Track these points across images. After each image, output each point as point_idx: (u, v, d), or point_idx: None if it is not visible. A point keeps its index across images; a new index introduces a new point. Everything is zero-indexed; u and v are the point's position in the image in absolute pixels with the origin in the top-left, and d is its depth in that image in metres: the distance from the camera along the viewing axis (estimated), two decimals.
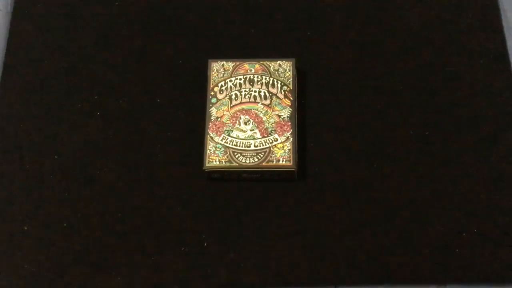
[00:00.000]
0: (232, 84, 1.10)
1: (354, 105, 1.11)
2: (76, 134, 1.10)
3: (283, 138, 1.06)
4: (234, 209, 1.04)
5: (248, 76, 1.11)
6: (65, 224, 1.03)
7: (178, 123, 1.10)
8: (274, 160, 1.04)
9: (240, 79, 1.11)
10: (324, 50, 1.15)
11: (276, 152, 1.05)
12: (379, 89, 1.12)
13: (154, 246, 1.02)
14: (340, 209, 1.03)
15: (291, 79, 1.10)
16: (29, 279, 1.00)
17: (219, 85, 1.10)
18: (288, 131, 1.06)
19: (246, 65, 1.12)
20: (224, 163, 1.04)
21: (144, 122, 1.10)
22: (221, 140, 1.06)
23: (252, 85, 1.10)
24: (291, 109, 1.08)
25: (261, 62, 1.12)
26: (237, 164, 1.04)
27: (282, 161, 1.04)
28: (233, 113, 1.08)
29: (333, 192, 1.05)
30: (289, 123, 1.07)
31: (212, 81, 1.11)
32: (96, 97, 1.13)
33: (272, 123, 1.07)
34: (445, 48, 1.15)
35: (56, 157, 1.08)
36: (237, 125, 1.07)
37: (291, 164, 1.04)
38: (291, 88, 1.10)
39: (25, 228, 1.03)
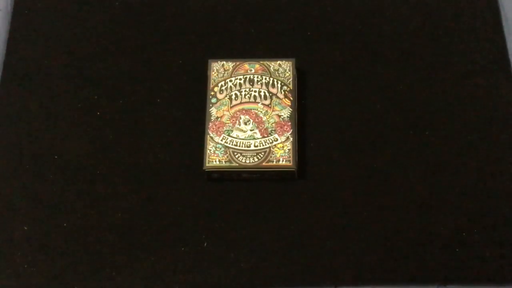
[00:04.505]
0: (232, 84, 1.10)
1: (354, 105, 1.11)
2: (76, 134, 1.10)
3: (283, 138, 1.06)
4: (234, 209, 1.04)
5: (248, 76, 1.11)
6: (65, 224, 1.03)
7: (178, 123, 1.10)
8: (274, 160, 1.05)
9: (240, 79, 1.11)
10: (324, 50, 1.15)
11: (276, 152, 1.05)
12: (379, 89, 1.12)
13: (154, 246, 1.02)
14: (340, 209, 1.03)
15: (291, 79, 1.10)
16: (29, 279, 1.00)
17: (219, 85, 1.10)
18: (288, 131, 1.06)
19: (246, 65, 1.12)
20: (224, 163, 1.04)
21: (144, 122, 1.10)
22: (221, 140, 1.06)
23: (252, 85, 1.10)
24: (291, 109, 1.08)
25: (261, 62, 1.12)
26: (237, 164, 1.04)
27: (282, 161, 1.04)
28: (233, 113, 1.08)
29: (333, 192, 1.05)
30: (289, 123, 1.07)
31: (212, 81, 1.11)
32: (96, 97, 1.13)
33: (272, 123, 1.07)
34: (445, 48, 1.15)
35: (56, 157, 1.08)
36: (237, 125, 1.07)
37: (291, 164, 1.04)
38: (291, 88, 1.10)
39: (25, 228, 1.03)
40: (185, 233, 1.03)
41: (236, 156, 1.05)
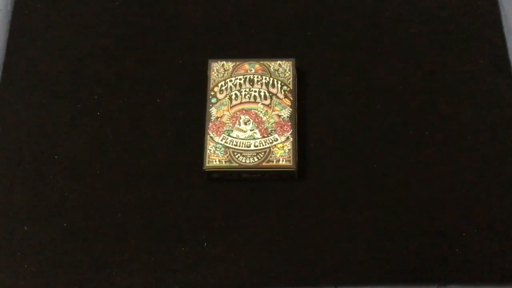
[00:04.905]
0: (232, 84, 1.10)
1: (354, 105, 1.11)
2: (76, 134, 1.10)
3: (283, 138, 1.06)
4: (234, 209, 1.04)
5: (248, 76, 1.11)
6: (65, 224, 1.03)
7: (178, 123, 1.10)
8: (274, 160, 1.05)
9: (240, 79, 1.11)
10: (324, 50, 1.15)
11: (276, 152, 1.05)
12: (379, 89, 1.12)
13: (154, 246, 1.02)
14: (340, 209, 1.03)
15: (291, 79, 1.10)
16: (29, 279, 1.00)
17: (219, 85, 1.10)
18: (288, 131, 1.06)
19: (246, 65, 1.12)
20: (224, 163, 1.04)
21: (144, 122, 1.10)
22: (221, 140, 1.06)
23: (252, 85, 1.10)
24: (291, 109, 1.08)
25: (261, 62, 1.12)
26: (237, 164, 1.04)
27: (282, 161, 1.04)
28: (233, 113, 1.08)
29: (333, 192, 1.05)
30: (289, 123, 1.07)
31: (212, 81, 1.11)
32: (96, 97, 1.13)
33: (272, 123, 1.07)
34: (445, 48, 1.15)
35: (56, 157, 1.08)
36: (237, 125, 1.07)
37: (291, 164, 1.04)
38: (291, 88, 1.10)
39: (25, 228, 1.03)
40: (185, 233, 1.03)
41: (236, 156, 1.05)
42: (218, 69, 1.11)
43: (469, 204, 1.03)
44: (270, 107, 1.08)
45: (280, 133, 1.06)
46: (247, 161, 1.04)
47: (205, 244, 1.02)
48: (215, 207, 1.04)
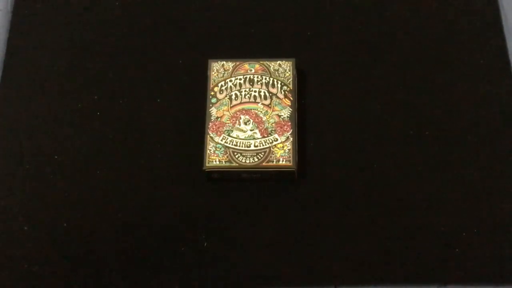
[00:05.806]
0: (232, 84, 1.10)
1: (354, 105, 1.11)
2: (76, 134, 1.10)
3: (283, 138, 1.06)
4: (234, 209, 1.04)
5: (248, 76, 1.11)
6: (65, 224, 1.03)
7: (178, 123, 1.10)
8: (274, 160, 1.04)
9: (240, 79, 1.11)
10: (324, 50, 1.15)
11: (276, 152, 1.05)
12: (379, 89, 1.12)
13: (154, 246, 1.02)
14: (340, 209, 1.03)
15: (291, 79, 1.10)
16: (29, 279, 1.00)
17: (219, 85, 1.10)
18: (288, 131, 1.06)
19: (246, 65, 1.12)
20: (224, 163, 1.04)
21: (144, 122, 1.10)
22: (221, 140, 1.06)
23: (252, 85, 1.10)
24: (291, 109, 1.08)
25: (261, 62, 1.12)
26: (237, 164, 1.04)
27: (282, 161, 1.04)
28: (233, 113, 1.08)
29: (333, 192, 1.05)
30: (289, 123, 1.07)
31: (212, 81, 1.11)
32: (96, 97, 1.13)
33: (272, 123, 1.07)
34: (446, 48, 1.15)
35: (56, 157, 1.08)
36: (237, 125, 1.07)
37: (291, 164, 1.04)
38: (291, 88, 1.10)
39: (25, 228, 1.03)
40: (185, 233, 1.03)
41: (236, 156, 1.05)
42: (218, 69, 1.11)
43: (469, 204, 1.03)
44: (270, 107, 1.08)
45: (280, 133, 1.06)
46: (247, 161, 1.04)
47: (205, 244, 1.02)
48: (215, 207, 1.04)
